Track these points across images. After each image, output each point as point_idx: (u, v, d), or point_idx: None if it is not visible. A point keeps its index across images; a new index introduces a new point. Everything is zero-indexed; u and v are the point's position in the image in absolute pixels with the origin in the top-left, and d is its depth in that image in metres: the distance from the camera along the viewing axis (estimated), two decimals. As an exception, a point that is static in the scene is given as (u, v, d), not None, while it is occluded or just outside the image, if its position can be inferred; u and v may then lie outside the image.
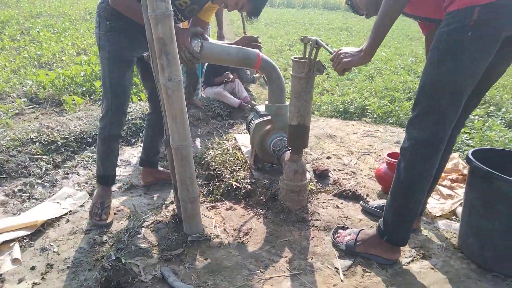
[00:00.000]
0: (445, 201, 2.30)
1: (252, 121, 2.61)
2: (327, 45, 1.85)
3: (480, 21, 1.40)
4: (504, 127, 3.85)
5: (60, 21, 9.52)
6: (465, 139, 3.56)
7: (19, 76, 4.86)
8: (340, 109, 4.51)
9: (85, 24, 9.40)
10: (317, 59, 1.92)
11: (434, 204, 2.28)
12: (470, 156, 1.79)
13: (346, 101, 4.63)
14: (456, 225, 2.11)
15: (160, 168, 2.72)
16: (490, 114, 4.42)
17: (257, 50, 2.32)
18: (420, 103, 1.59)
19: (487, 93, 4.86)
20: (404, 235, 1.77)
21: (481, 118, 4.15)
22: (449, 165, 2.68)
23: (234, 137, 3.12)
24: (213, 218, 2.15)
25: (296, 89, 2.00)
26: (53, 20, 9.63)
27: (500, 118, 4.26)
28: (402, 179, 1.66)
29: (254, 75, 5.00)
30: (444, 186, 2.44)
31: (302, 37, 1.88)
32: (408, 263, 1.83)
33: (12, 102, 4.05)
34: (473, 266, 1.82)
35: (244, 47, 2.30)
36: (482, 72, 1.50)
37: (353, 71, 6.43)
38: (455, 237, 2.03)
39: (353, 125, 3.88)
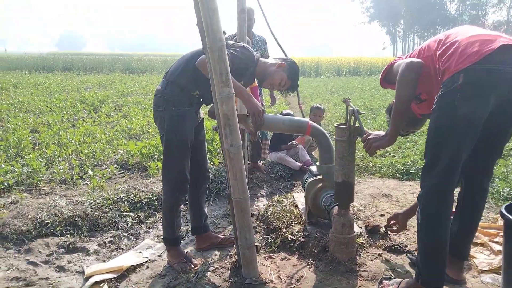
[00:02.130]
0: (495, 256, 2.34)
1: (307, 180, 2.91)
2: (362, 113, 2.17)
3: (465, 84, 1.67)
4: None
5: (147, 99, 10.85)
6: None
7: (112, 146, 5.68)
8: (402, 171, 4.62)
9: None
10: (356, 125, 2.22)
11: (483, 259, 2.34)
12: (503, 210, 1.92)
13: (407, 163, 4.74)
14: (503, 278, 2.15)
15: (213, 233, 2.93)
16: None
17: (307, 119, 2.69)
18: (426, 155, 1.85)
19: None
20: (436, 277, 1.89)
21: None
22: (502, 222, 2.70)
23: (293, 196, 3.42)
24: (269, 266, 2.41)
25: (340, 151, 2.30)
26: (141, 98, 11.01)
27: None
28: (421, 223, 1.87)
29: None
30: (496, 242, 2.49)
31: (345, 99, 2.22)
32: (449, 310, 1.93)
33: (106, 168, 4.76)
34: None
35: (295, 117, 2.68)
36: (477, 127, 1.72)
37: (417, 133, 6.53)
38: (500, 290, 2.08)
39: (410, 185, 3.99)
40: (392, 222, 2.60)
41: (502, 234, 2.56)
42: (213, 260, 2.57)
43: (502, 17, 57.40)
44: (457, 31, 1.90)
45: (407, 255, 2.46)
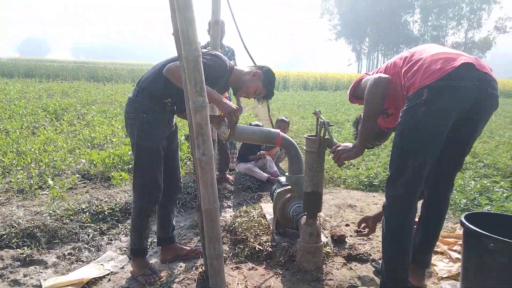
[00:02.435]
0: (454, 264, 2.44)
1: (275, 191, 2.92)
2: (331, 125, 2.21)
3: (429, 99, 1.76)
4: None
5: (112, 108, 10.60)
6: (487, 210, 3.66)
7: (74, 155, 5.48)
8: (365, 182, 4.74)
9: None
10: (326, 137, 2.26)
11: (443, 267, 2.43)
12: (463, 219, 2.00)
13: (371, 175, 4.87)
14: (462, 285, 2.23)
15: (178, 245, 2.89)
16: (517, 187, 4.48)
17: (278, 130, 2.71)
18: (391, 167, 1.92)
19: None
20: (399, 284, 1.94)
21: (505, 190, 4.23)
22: (461, 231, 2.82)
23: (260, 206, 3.42)
24: (236, 277, 2.39)
25: (309, 161, 2.33)
26: (106, 107, 10.74)
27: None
28: (385, 233, 1.93)
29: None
30: (454, 250, 2.59)
31: (315, 111, 2.26)
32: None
33: (67, 177, 4.58)
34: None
35: (266, 128, 2.70)
36: (440, 140, 1.81)
37: (380, 147, 6.73)
38: (460, 296, 2.15)
39: (374, 196, 4.09)
40: (363, 225, 2.65)
41: (460, 242, 2.67)
42: (179, 272, 2.51)
43: (460, 38, 61.06)
44: (422, 49, 1.99)
45: (371, 264, 2.52)
